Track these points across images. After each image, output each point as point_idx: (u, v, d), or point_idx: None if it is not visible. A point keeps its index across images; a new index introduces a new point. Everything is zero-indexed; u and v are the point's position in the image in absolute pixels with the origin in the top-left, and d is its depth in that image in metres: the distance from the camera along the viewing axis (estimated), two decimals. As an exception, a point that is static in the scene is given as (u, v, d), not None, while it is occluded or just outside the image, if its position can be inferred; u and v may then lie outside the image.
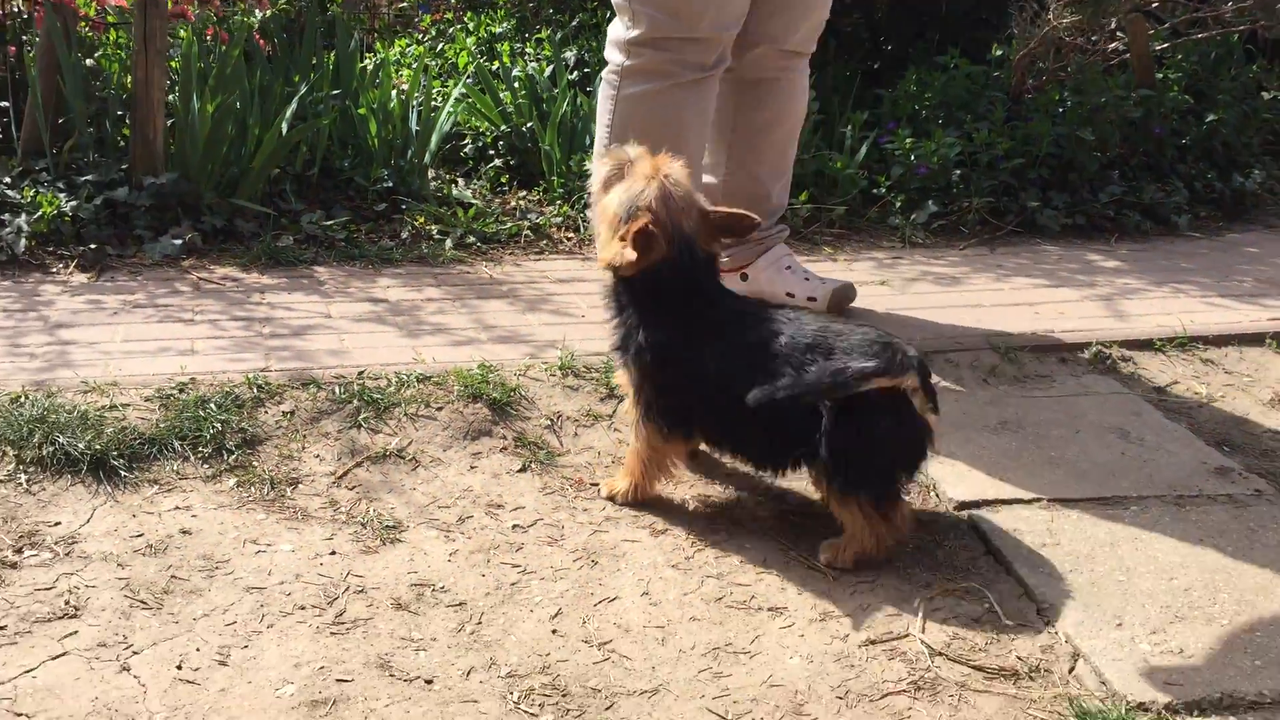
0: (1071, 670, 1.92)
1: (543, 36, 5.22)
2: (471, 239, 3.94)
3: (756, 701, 1.85)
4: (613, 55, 3.06)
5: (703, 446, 2.45)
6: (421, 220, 3.98)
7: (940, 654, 1.96)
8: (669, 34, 2.86)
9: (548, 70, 4.76)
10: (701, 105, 2.99)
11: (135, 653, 1.87)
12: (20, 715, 1.71)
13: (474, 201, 4.14)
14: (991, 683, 1.90)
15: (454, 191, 4.24)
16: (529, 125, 4.50)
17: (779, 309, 2.32)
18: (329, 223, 3.84)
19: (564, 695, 1.85)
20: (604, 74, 3.10)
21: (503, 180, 4.50)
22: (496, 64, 4.93)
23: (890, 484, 2.17)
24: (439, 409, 2.63)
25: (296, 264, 3.60)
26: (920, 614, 2.06)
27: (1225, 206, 4.78)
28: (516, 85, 4.60)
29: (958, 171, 4.36)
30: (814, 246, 4.03)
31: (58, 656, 1.85)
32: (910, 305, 3.47)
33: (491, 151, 4.64)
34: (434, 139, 4.26)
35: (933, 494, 2.44)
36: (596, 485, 2.43)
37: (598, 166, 2.42)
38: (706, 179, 3.27)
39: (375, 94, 4.32)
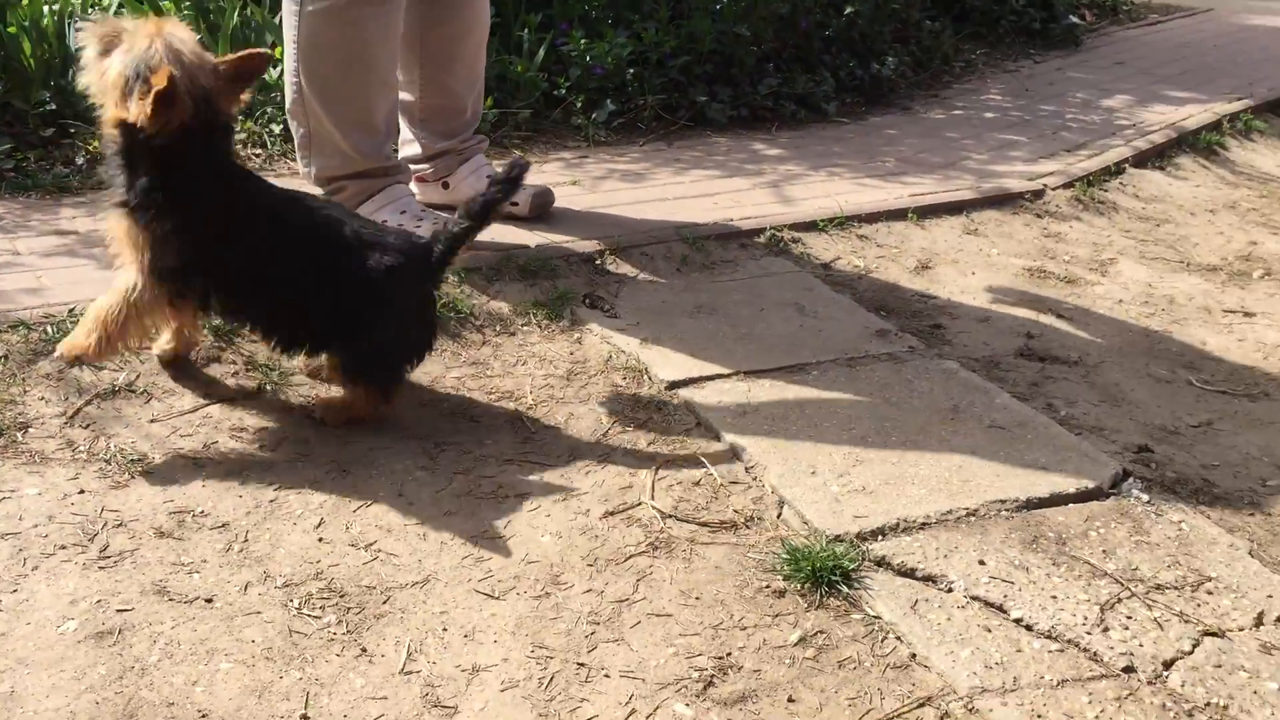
0: (779, 516, 2.25)
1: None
2: None
3: (519, 578, 2.07)
4: None
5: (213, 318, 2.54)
6: (96, 145, 3.84)
7: (670, 516, 2.24)
8: None
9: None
10: (386, 21, 3.06)
11: (-102, 613, 1.87)
12: None
13: (152, 121, 4.03)
14: (715, 535, 2.20)
15: (127, 111, 4.09)
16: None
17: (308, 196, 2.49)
18: (-8, 152, 3.65)
19: (341, 596, 2.00)
20: None
21: (176, 97, 4.37)
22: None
23: (401, 376, 2.45)
24: (164, 340, 2.64)
25: (-36, 199, 3.42)
26: (649, 484, 2.33)
27: (866, 92, 5.30)
28: (181, -3, 4.44)
29: (631, 70, 4.61)
30: (503, 150, 4.19)
31: None
32: (603, 203, 3.71)
33: (160, 66, 4.47)
34: (100, 57, 4.07)
35: (645, 377, 2.71)
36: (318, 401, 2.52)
37: (89, 34, 2.25)
38: (403, 96, 3.36)
39: (25, 10, 4.07)
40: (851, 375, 2.74)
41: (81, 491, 2.19)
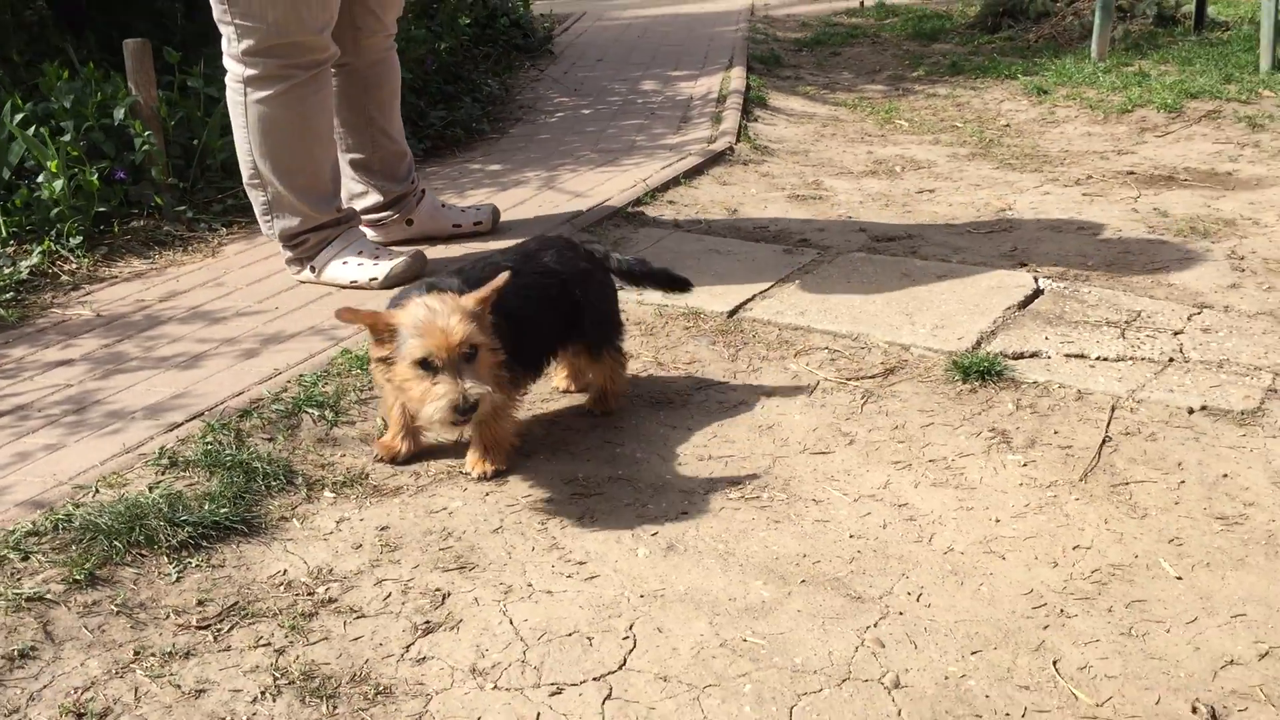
0: (914, 355, 3.16)
1: None
2: (6, 295, 3.69)
3: (820, 440, 2.78)
4: (232, 67, 3.35)
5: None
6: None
7: (849, 380, 3.06)
8: (275, 41, 3.27)
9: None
10: (321, 95, 3.46)
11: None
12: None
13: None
14: (890, 378, 3.06)
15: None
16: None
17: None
18: None
19: (754, 478, 2.60)
20: (228, 83, 3.37)
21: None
22: None
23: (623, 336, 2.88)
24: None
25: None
26: (808, 369, 3.12)
27: (484, 110, 6.08)
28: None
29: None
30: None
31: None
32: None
33: None
34: None
35: (702, 315, 3.43)
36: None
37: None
38: (356, 156, 3.69)
39: None
40: (819, 276, 3.68)
41: (487, 494, 2.52)
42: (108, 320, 3.48)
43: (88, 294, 3.75)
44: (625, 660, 1.99)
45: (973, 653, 2.03)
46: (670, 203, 4.48)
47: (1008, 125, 5.89)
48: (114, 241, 4.17)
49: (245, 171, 3.46)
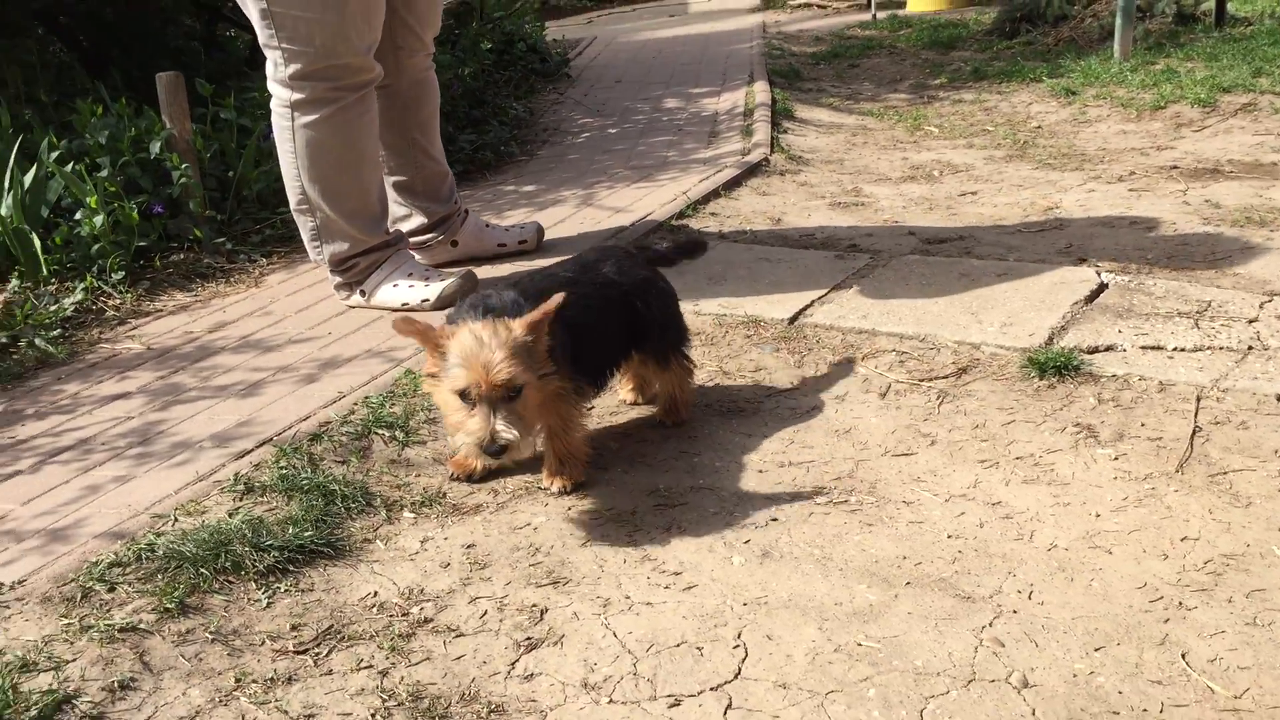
0: (985, 353, 3.10)
1: None
2: (54, 332, 3.65)
3: (901, 442, 2.72)
4: (278, 92, 3.31)
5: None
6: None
7: (921, 381, 3.00)
8: (323, 64, 3.22)
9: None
10: (367, 117, 3.41)
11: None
12: None
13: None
14: (963, 376, 3.00)
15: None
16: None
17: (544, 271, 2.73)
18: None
19: (838, 479, 2.53)
20: (274, 108, 3.33)
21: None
22: None
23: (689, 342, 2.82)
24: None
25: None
26: (879, 371, 3.06)
27: (513, 132, 6.05)
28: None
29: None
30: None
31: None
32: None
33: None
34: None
35: (762, 324, 3.37)
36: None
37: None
38: (399, 178, 3.66)
39: None
40: (876, 280, 3.62)
41: (569, 508, 2.46)
42: (159, 353, 3.43)
43: (135, 328, 3.70)
44: (740, 669, 1.93)
45: (1096, 649, 1.96)
46: (713, 214, 4.44)
47: (1039, 127, 5.84)
48: (155, 275, 4.14)
49: (293, 197, 3.42)
